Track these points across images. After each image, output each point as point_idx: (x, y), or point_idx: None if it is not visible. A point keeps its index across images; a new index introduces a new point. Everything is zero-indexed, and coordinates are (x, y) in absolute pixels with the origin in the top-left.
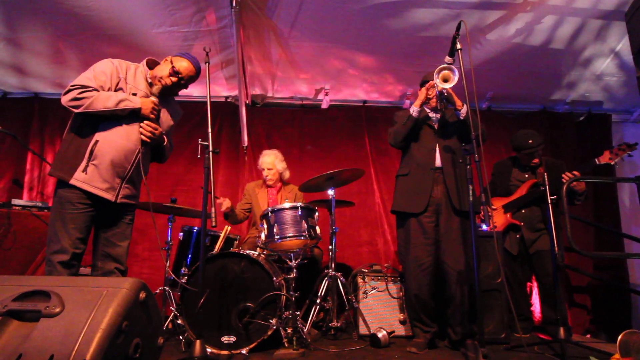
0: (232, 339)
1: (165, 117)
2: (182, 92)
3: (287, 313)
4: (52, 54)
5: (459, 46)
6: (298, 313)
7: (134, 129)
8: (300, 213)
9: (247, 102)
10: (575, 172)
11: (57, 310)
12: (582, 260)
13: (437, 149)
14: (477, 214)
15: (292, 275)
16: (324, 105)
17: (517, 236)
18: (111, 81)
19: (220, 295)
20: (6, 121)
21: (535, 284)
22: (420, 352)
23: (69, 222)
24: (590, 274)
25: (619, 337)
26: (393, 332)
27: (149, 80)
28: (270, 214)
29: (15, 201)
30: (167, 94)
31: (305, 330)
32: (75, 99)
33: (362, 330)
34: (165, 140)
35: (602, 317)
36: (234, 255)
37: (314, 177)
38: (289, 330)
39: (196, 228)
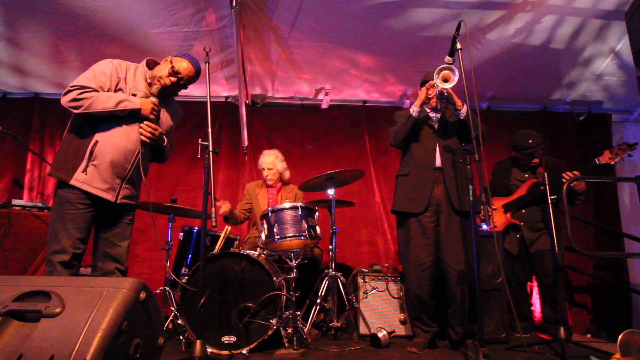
0: (233, 339)
1: (165, 117)
2: (182, 92)
3: (288, 313)
4: (52, 54)
5: (459, 46)
6: (298, 313)
7: (133, 130)
8: (300, 213)
9: (247, 102)
10: (575, 172)
11: (58, 310)
12: (583, 260)
13: (437, 148)
14: (477, 213)
15: (292, 275)
16: (324, 105)
17: (517, 236)
18: (111, 82)
19: (221, 295)
20: (6, 121)
21: (535, 284)
22: (421, 352)
23: (69, 222)
24: (591, 274)
25: (620, 337)
26: (393, 332)
27: (149, 81)
28: (270, 214)
29: (15, 201)
30: (166, 94)
31: (305, 330)
32: (75, 99)
33: (363, 330)
34: (165, 140)
35: (602, 316)
36: (234, 255)
37: (314, 177)
38: (289, 330)
39: (196, 228)
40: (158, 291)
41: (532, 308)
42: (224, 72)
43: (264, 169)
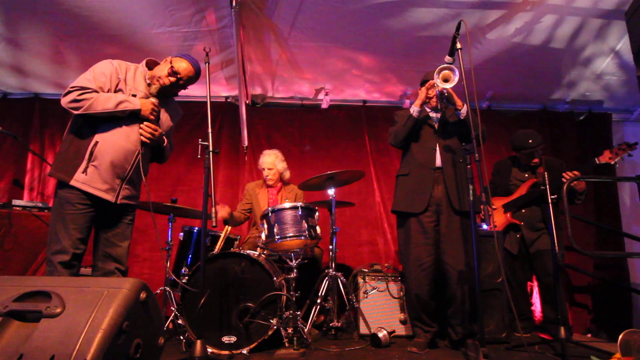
0: (233, 339)
1: (165, 118)
2: (182, 92)
3: (288, 313)
4: (52, 55)
5: (459, 46)
6: (298, 313)
7: (133, 130)
8: (300, 213)
9: (247, 102)
10: (575, 172)
11: (58, 310)
12: (583, 259)
13: (438, 148)
14: (478, 213)
15: (292, 275)
16: (324, 105)
17: (517, 236)
18: (111, 82)
19: (221, 295)
20: (6, 122)
21: (535, 284)
22: (421, 352)
23: (69, 222)
24: (591, 274)
25: (620, 337)
26: (394, 331)
27: (148, 81)
28: (270, 214)
29: (15, 202)
30: (165, 94)
31: (305, 330)
32: (75, 100)
33: (363, 330)
34: (165, 141)
35: (602, 316)
36: (235, 255)
37: (314, 176)
38: (290, 330)
39: (196, 228)
40: (158, 291)
41: (533, 308)
42: (224, 72)
43: (264, 169)
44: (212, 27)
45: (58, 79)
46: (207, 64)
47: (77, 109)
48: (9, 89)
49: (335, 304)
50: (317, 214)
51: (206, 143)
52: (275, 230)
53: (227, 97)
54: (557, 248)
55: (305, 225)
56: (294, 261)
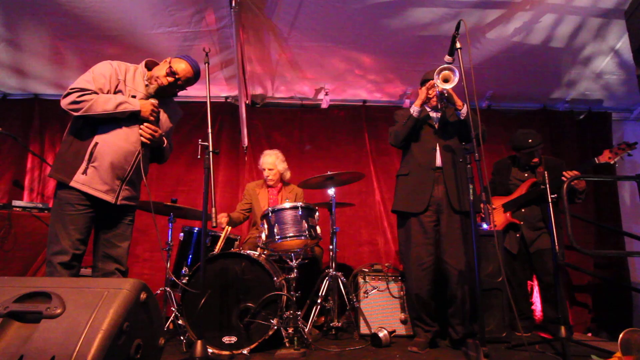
0: (233, 339)
1: (165, 118)
2: (182, 92)
3: (288, 313)
4: (51, 55)
5: (458, 45)
6: (299, 313)
7: (133, 131)
8: (300, 213)
9: (247, 102)
10: (575, 172)
11: (58, 311)
12: (583, 258)
13: (438, 148)
14: (478, 213)
15: (292, 275)
16: (324, 105)
17: (517, 235)
18: (110, 83)
19: (221, 295)
20: (6, 122)
21: (535, 283)
22: (422, 352)
23: (69, 223)
24: (591, 273)
25: (620, 336)
26: (394, 331)
27: (146, 82)
28: (270, 214)
29: (15, 202)
30: (164, 95)
31: (306, 330)
32: (75, 102)
33: (363, 329)
34: (165, 141)
35: (603, 315)
36: (235, 255)
37: (314, 176)
38: (290, 330)
39: (197, 228)
40: (159, 291)
41: (533, 307)
42: (224, 72)
43: (264, 169)
44: (212, 27)
45: (58, 80)
46: (206, 64)
47: (76, 110)
48: (8, 90)
49: (336, 303)
50: (317, 214)
51: (206, 143)
52: (275, 230)
53: (227, 97)
54: (557, 247)
55: (306, 225)
56: (294, 261)
